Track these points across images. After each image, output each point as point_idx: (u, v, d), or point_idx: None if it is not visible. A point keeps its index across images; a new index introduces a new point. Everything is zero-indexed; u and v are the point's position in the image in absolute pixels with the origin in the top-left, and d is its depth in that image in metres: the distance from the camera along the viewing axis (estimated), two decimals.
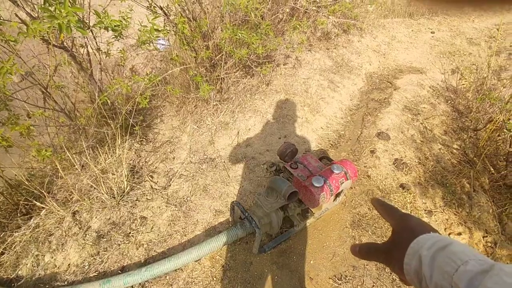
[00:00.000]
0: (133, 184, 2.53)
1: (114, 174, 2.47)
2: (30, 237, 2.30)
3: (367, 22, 5.61)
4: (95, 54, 2.68)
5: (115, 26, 1.93)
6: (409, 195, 2.67)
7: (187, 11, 3.11)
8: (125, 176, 2.49)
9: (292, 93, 3.60)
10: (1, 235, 2.29)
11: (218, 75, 3.20)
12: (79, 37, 2.82)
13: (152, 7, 2.97)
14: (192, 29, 3.00)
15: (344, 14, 4.89)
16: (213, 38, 3.13)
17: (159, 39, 3.09)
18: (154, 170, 2.71)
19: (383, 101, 3.90)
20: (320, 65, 4.29)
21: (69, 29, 1.57)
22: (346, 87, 4.12)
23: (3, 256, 2.22)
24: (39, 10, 2.14)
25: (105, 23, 1.89)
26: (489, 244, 2.42)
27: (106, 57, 2.73)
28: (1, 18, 1.87)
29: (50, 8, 1.58)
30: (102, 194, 2.41)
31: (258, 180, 2.64)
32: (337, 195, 2.34)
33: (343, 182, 2.13)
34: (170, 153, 2.89)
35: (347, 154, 3.09)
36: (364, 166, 2.90)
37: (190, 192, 2.51)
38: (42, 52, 2.82)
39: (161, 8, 3.02)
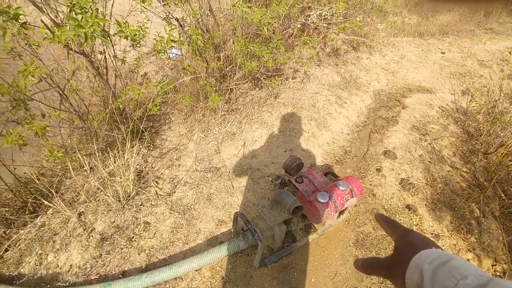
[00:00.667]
0: (139, 189, 2.55)
1: (121, 178, 2.49)
2: (35, 235, 2.31)
3: (377, 40, 5.63)
4: (111, 61, 2.73)
5: (134, 35, 1.98)
6: (415, 217, 2.64)
7: (201, 23, 3.17)
8: (131, 180, 2.51)
9: (299, 107, 3.61)
10: (7, 232, 2.31)
11: (227, 86, 3.23)
12: (99, 44, 2.88)
13: (168, 18, 3.03)
14: (205, 41, 3.04)
15: (354, 32, 4.93)
16: (224, 50, 3.17)
17: (172, 49, 3.15)
18: (160, 176, 2.73)
19: (391, 119, 3.89)
20: (329, 81, 4.31)
21: (93, 37, 1.63)
22: (353, 104, 4.12)
23: (7, 253, 2.22)
24: (64, 18, 2.19)
25: (125, 32, 1.94)
26: (498, 274, 2.36)
27: (121, 64, 2.78)
28: (27, 23, 1.93)
29: (76, 17, 1.62)
30: (108, 197, 2.43)
31: (262, 192, 2.64)
32: (341, 212, 2.33)
33: (348, 199, 2.11)
34: (176, 160, 2.90)
35: (353, 171, 3.08)
36: (370, 184, 2.89)
37: (194, 200, 2.52)
38: (61, 56, 2.87)
39: (177, 20, 3.08)
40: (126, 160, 2.63)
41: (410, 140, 3.50)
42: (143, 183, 2.62)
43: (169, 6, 2.86)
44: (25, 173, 2.58)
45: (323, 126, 3.52)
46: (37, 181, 2.46)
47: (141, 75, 3.85)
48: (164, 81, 2.95)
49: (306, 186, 2.18)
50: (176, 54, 3.79)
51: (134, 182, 2.53)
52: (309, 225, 2.29)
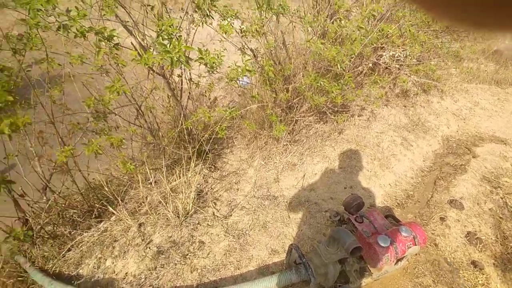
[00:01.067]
0: (197, 208, 2.60)
1: (182, 195, 2.57)
2: (97, 239, 2.43)
3: (449, 85, 5.38)
4: (186, 83, 2.91)
5: (212, 63, 2.09)
6: (481, 276, 2.38)
7: (273, 55, 3.28)
8: (192, 198, 2.57)
9: (363, 145, 3.52)
10: (72, 233, 2.46)
11: (293, 117, 3.26)
12: (178, 67, 3.09)
13: (244, 48, 3.19)
14: (276, 72, 3.13)
15: (427, 75, 4.77)
16: (294, 82, 3.23)
17: (243, 77, 3.29)
18: (218, 198, 2.77)
19: (459, 167, 3.63)
20: (395, 121, 4.17)
21: (178, 63, 1.74)
22: (420, 147, 3.92)
23: (69, 252, 2.35)
24: (151, 42, 2.39)
25: (205, 59, 2.06)
26: None
27: (195, 87, 2.94)
28: (119, 44, 2.13)
29: (165, 43, 1.75)
30: (168, 211, 2.50)
31: (318, 227, 2.56)
32: (400, 259, 2.18)
33: (410, 247, 1.98)
34: (235, 184, 2.94)
35: (414, 216, 2.89)
36: (432, 233, 2.68)
37: (249, 226, 2.51)
38: (141, 75, 3.11)
39: (252, 50, 3.22)
40: (189, 178, 2.72)
41: (479, 191, 3.22)
42: (202, 202, 2.68)
43: (246, 37, 3.00)
44: (93, 179, 2.75)
45: (386, 166, 3.38)
46: (106, 188, 2.60)
47: (210, 99, 4.03)
48: (232, 106, 3.06)
49: (366, 227, 2.08)
50: (246, 82, 3.94)
51: (194, 201, 2.60)
52: (364, 268, 2.15)
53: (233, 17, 2.91)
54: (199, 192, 2.76)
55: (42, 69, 2.13)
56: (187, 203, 2.56)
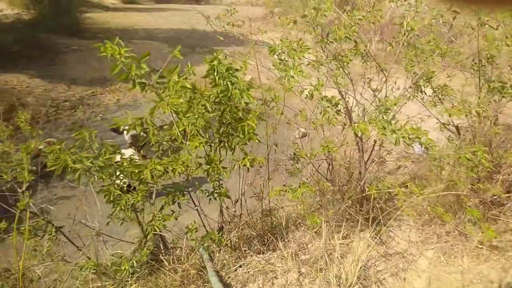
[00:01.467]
0: (360, 284, 1.90)
1: (348, 260, 1.93)
2: (262, 268, 2.10)
3: None
4: (378, 150, 2.32)
5: (428, 143, 1.53)
6: None
7: (484, 136, 2.29)
8: (357, 270, 1.89)
9: None
10: (246, 251, 2.20)
11: (498, 216, 2.14)
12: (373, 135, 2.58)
13: (445, 125, 2.36)
14: (487, 159, 2.13)
15: None
16: (508, 174, 2.14)
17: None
18: (382, 281, 2.02)
19: None
20: None
21: (399, 141, 1.48)
22: None
23: (240, 268, 2.09)
24: (361, 109, 1.99)
25: (419, 139, 1.52)
26: None
27: (386, 154, 2.33)
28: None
29: (386, 118, 1.40)
30: (330, 273, 1.91)
31: None
32: None
33: None
34: (402, 271, 2.10)
35: None
36: None
37: None
38: (334, 131, 2.70)
39: (457, 127, 2.34)
40: (357, 244, 2.05)
41: None
42: (363, 279, 1.97)
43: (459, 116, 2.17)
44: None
45: None
46: (284, 223, 2.35)
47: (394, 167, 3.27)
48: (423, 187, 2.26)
49: None
50: (423, 151, 3.07)
51: (358, 274, 1.91)
52: None
53: (448, 95, 2.18)
54: (363, 265, 2.04)
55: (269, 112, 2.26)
56: (351, 272, 1.89)
